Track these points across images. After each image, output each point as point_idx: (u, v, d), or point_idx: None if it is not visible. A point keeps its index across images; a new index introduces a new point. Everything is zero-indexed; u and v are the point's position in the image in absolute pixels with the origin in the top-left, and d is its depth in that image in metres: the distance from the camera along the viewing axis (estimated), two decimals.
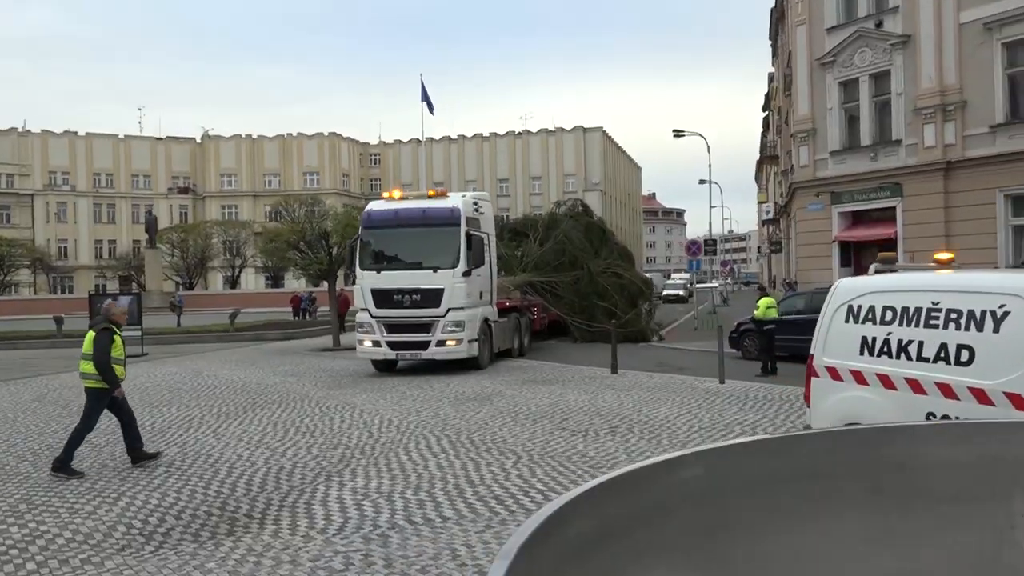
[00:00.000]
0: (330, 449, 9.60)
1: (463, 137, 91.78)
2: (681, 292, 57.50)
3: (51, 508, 7.28)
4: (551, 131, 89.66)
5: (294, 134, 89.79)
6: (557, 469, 8.23)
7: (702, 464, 1.66)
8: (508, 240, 26.25)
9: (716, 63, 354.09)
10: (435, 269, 16.65)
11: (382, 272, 17.10)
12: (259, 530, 6.50)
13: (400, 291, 16.74)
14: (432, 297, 16.56)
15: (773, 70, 54.65)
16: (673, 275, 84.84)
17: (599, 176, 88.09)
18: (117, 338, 8.92)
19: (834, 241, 26.12)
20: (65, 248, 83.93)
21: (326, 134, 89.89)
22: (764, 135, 65.94)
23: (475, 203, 18.22)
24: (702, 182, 55.73)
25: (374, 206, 18.21)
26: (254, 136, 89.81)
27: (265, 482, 8.10)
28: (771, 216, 52.45)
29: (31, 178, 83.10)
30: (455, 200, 17.63)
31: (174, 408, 13.30)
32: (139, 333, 24.65)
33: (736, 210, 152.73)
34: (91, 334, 8.91)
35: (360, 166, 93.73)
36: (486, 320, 17.99)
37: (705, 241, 41.86)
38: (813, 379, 6.66)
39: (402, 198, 18.22)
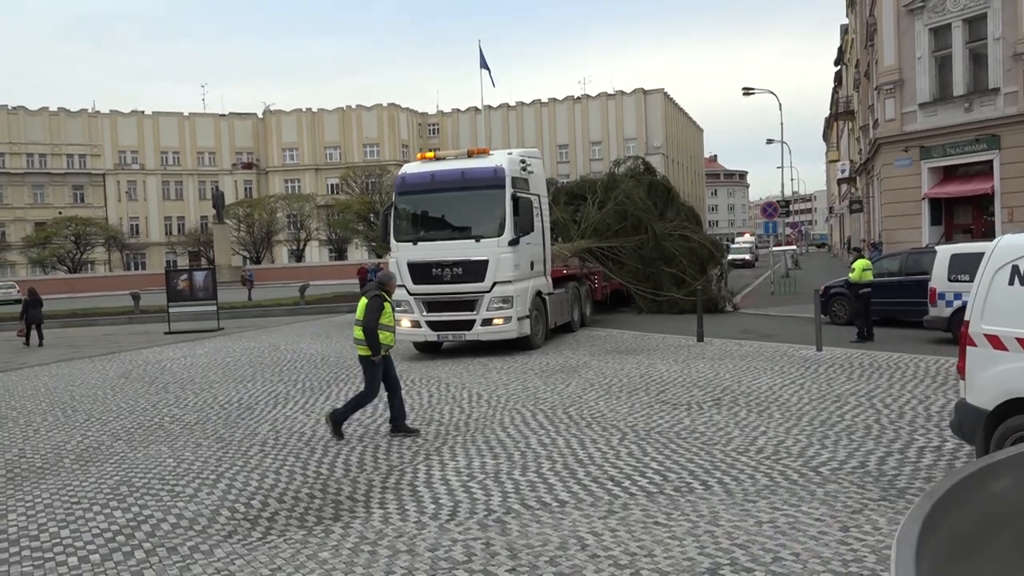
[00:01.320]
0: (423, 425, 9.28)
1: (521, 104, 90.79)
2: (747, 256, 55.30)
3: (152, 491, 7.10)
4: (611, 95, 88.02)
5: (353, 106, 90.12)
6: (668, 447, 7.73)
7: None
8: (564, 204, 24.55)
9: (775, 21, 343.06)
10: (478, 238, 14.84)
11: (419, 243, 15.19)
12: (366, 515, 6.18)
13: (439, 264, 14.88)
14: (475, 270, 14.74)
15: (848, 21, 52.27)
16: (737, 239, 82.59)
17: (661, 139, 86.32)
18: (387, 305, 8.91)
19: (923, 198, 24.83)
20: (136, 226, 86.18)
21: (385, 105, 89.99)
22: (836, 90, 63.42)
23: (522, 161, 16.02)
24: (770, 142, 54.18)
25: (408, 168, 16.24)
26: (314, 110, 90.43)
27: (363, 462, 7.81)
28: (846, 174, 50.50)
29: (102, 158, 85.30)
30: (499, 158, 15.56)
31: (258, 384, 13.19)
32: (214, 307, 24.94)
33: (801, 170, 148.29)
34: (364, 300, 8.93)
35: (419, 136, 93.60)
36: (539, 293, 16.13)
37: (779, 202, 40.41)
38: (969, 348, 5.98)
39: (439, 158, 16.22)
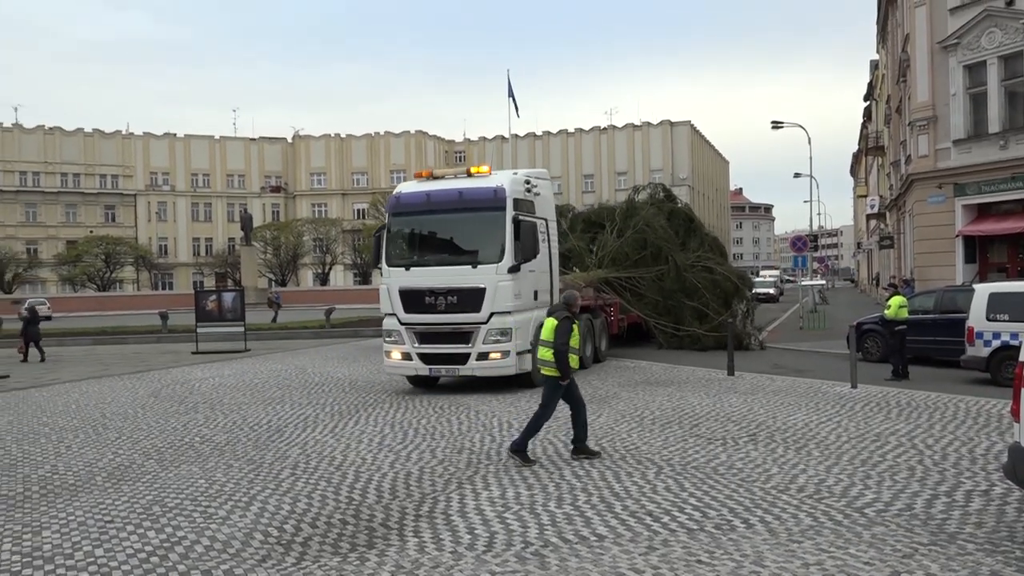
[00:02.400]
0: (455, 453, 9.19)
1: (548, 133, 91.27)
2: (771, 290, 53.22)
3: (184, 511, 7.06)
4: (637, 126, 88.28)
5: (381, 133, 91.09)
6: (706, 482, 7.58)
7: None
8: (582, 232, 23.42)
9: (802, 55, 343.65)
10: (475, 264, 13.67)
11: (412, 268, 14.04)
12: (400, 543, 6.09)
13: (432, 291, 13.68)
14: (471, 299, 13.54)
15: (878, 57, 52.18)
16: (762, 272, 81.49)
17: (687, 171, 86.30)
18: (575, 327, 8.83)
19: (957, 236, 24.49)
20: (165, 246, 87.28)
21: (412, 132, 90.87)
22: (865, 125, 63.15)
23: (527, 182, 14.84)
24: (798, 176, 53.85)
25: (403, 188, 15.05)
26: (342, 135, 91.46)
27: (395, 488, 7.73)
28: (876, 210, 50.07)
29: (134, 179, 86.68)
30: (501, 178, 14.31)
31: (287, 406, 13.18)
32: (242, 329, 25.07)
33: (827, 204, 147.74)
34: (552, 322, 8.82)
35: (446, 164, 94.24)
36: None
37: (808, 236, 40.09)
38: None
39: (436, 177, 14.95)
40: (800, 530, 6.08)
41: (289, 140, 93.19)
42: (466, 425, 10.95)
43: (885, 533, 5.96)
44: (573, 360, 8.78)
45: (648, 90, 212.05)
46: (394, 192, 15.20)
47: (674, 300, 20.82)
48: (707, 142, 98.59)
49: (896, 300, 15.53)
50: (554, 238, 16.06)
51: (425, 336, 13.94)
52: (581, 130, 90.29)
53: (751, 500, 6.93)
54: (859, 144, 68.34)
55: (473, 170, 14.69)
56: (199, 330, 24.86)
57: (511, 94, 71.56)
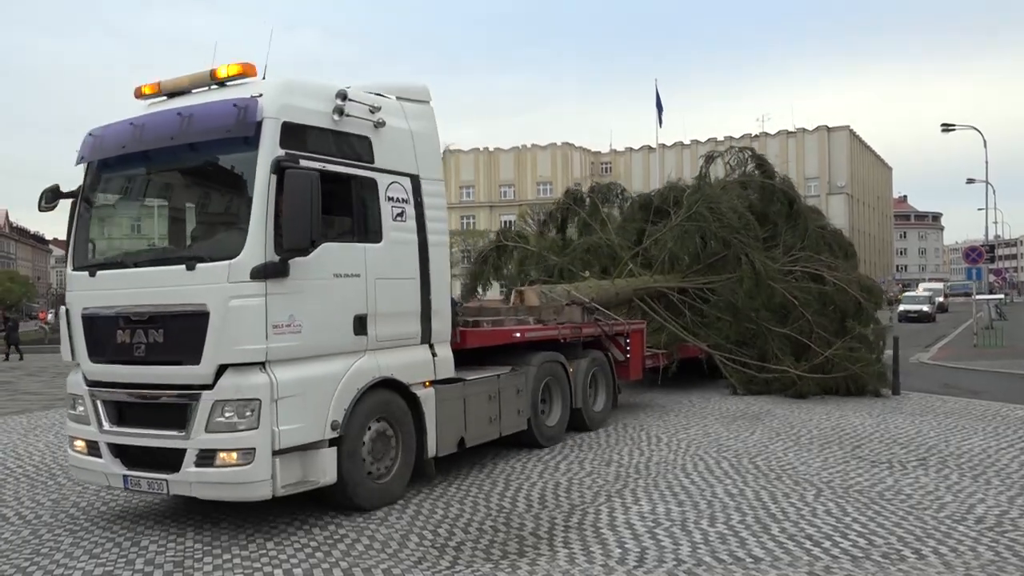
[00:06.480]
0: (603, 466, 9.15)
1: (696, 142, 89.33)
2: (925, 307, 45.00)
3: (346, 511, 7.38)
4: (791, 132, 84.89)
5: (528, 146, 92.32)
6: (871, 507, 7.15)
7: None
8: (642, 221, 17.07)
9: (976, 52, 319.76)
10: (191, 263, 6.75)
11: (98, 274, 7.26)
12: (551, 553, 6.13)
13: (126, 318, 6.93)
14: (183, 333, 6.68)
15: None
16: (921, 285, 68.65)
17: (845, 178, 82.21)
18: None
19: None
20: None
21: (559, 144, 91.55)
22: None
23: (343, 97, 7.26)
24: (971, 181, 50.09)
25: (99, 129, 7.56)
26: (490, 149, 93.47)
27: (544, 498, 7.78)
28: None
29: None
30: (263, 86, 7.05)
31: None
32: None
33: (1005, 212, 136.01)
34: None
35: (591, 175, 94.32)
36: (397, 386, 7.64)
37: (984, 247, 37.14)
38: None
39: (171, 94, 7.65)
40: (980, 564, 5.63)
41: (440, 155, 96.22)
42: (614, 438, 10.87)
43: None
44: None
45: (804, 94, 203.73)
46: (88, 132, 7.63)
47: (755, 323, 14.56)
48: (867, 147, 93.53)
49: None
50: (439, 214, 8.42)
51: (119, 409, 7.10)
52: (731, 138, 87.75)
53: (922, 529, 6.48)
54: None
55: (219, 72, 7.25)
56: None
57: (658, 104, 70.89)
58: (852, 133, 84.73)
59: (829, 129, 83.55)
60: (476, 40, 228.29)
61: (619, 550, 6.14)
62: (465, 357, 8.99)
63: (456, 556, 6.13)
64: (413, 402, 7.80)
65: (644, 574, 5.62)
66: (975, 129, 39.40)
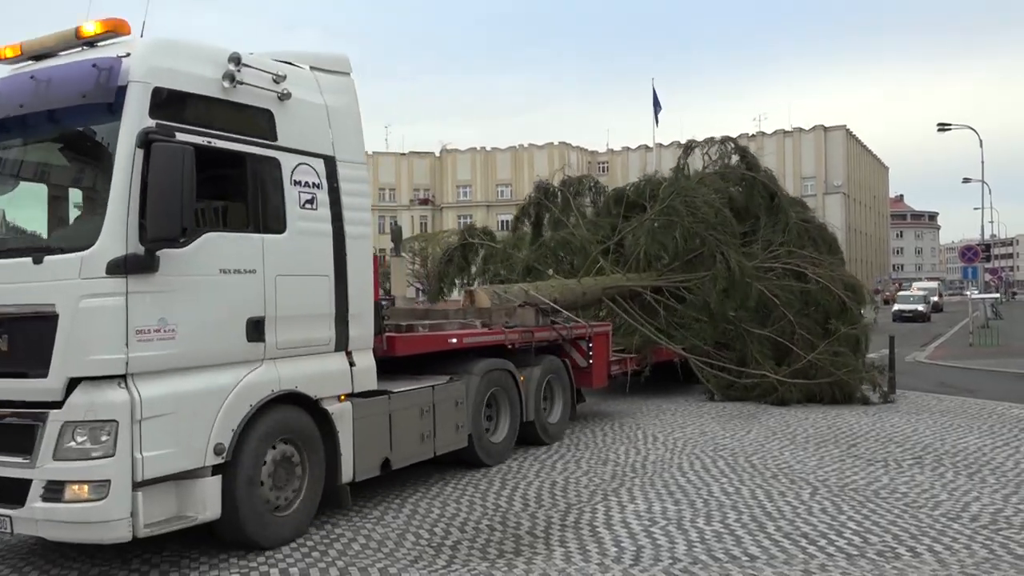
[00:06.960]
0: (599, 465, 9.16)
1: (693, 141, 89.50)
2: (920, 307, 44.18)
3: (341, 510, 7.38)
4: (788, 132, 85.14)
5: (525, 145, 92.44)
6: (867, 505, 7.18)
7: None
8: (616, 216, 16.21)
9: (973, 53, 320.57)
10: (38, 255, 5.58)
11: None
12: (547, 552, 6.14)
13: None
14: (29, 339, 5.59)
15: None
16: (914, 285, 65.82)
17: (841, 178, 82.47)
18: None
19: None
20: None
21: (556, 144, 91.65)
22: None
23: (236, 61, 6.12)
24: (967, 181, 50.16)
25: None
26: (488, 148, 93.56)
27: (540, 497, 7.79)
28: None
29: None
30: (130, 45, 5.81)
31: None
32: None
33: (1002, 212, 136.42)
34: None
35: (588, 174, 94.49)
36: (314, 404, 6.60)
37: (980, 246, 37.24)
38: None
39: (35, 57, 6.29)
40: (974, 562, 5.65)
41: (437, 154, 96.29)
42: (610, 437, 10.88)
43: None
44: None
45: (802, 93, 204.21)
46: None
47: (733, 324, 13.71)
48: (864, 147, 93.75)
49: None
50: (359, 201, 7.30)
51: None
52: (728, 137, 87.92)
53: (917, 527, 6.51)
54: None
55: (84, 30, 6.00)
56: None
57: (656, 103, 70.97)
58: (849, 133, 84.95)
59: (826, 129, 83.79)
60: (476, 40, 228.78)
61: (615, 549, 6.16)
62: (400, 367, 8.20)
63: (452, 555, 6.14)
64: (325, 419, 6.68)
65: (640, 572, 5.63)
66: (971, 129, 39.54)
